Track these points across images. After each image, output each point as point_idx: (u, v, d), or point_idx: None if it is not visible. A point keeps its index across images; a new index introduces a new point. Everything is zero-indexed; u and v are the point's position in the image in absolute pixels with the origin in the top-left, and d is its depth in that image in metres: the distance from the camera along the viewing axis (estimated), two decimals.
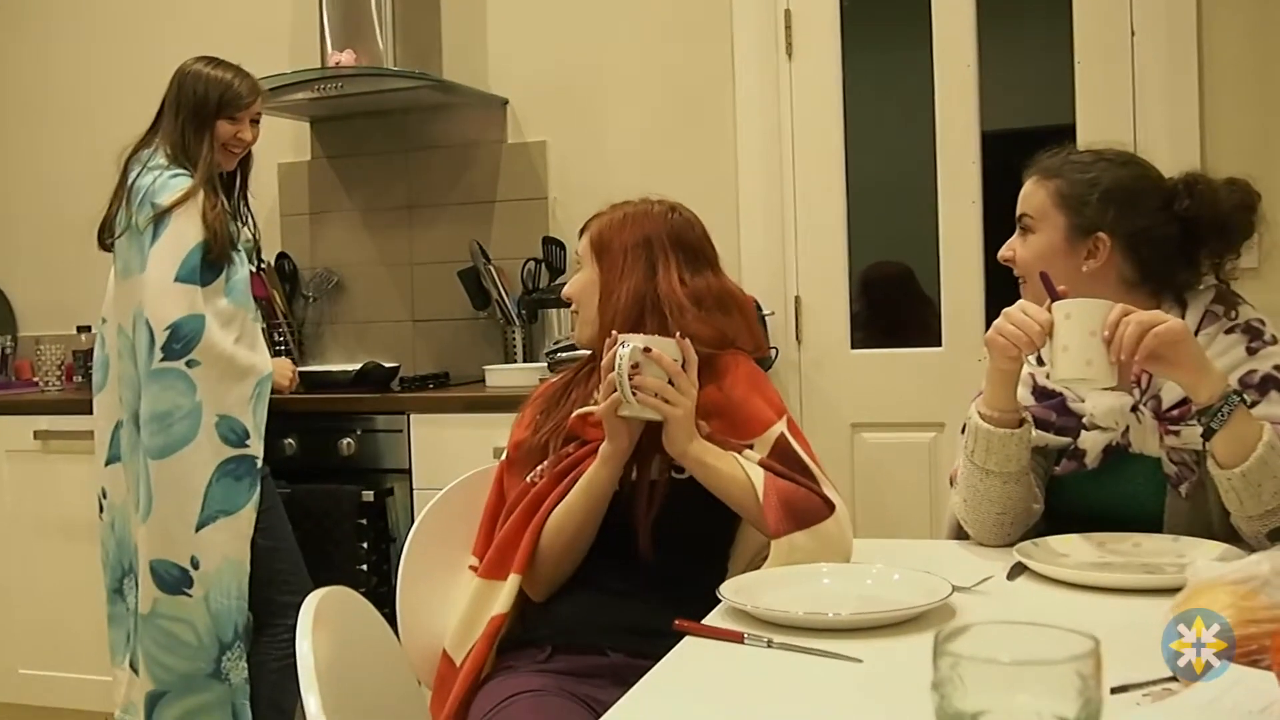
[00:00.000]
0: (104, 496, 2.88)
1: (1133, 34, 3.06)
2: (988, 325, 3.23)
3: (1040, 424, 1.78)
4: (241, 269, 2.79)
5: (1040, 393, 1.81)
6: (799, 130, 3.34)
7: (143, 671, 2.74)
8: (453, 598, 1.82)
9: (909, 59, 3.30)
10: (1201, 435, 1.58)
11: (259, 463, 2.74)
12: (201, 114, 2.80)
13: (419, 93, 3.48)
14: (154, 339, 2.65)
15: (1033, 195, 1.83)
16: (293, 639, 2.79)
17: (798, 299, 3.35)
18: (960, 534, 1.85)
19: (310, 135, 3.85)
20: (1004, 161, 3.21)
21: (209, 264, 2.70)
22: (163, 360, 2.65)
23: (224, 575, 2.70)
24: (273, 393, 2.80)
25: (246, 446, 2.71)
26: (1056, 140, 3.09)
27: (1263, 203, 1.85)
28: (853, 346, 3.33)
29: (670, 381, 1.65)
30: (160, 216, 2.68)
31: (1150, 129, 3.03)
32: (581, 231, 1.91)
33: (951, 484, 1.89)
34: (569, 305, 1.91)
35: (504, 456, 1.89)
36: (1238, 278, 1.85)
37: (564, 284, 1.94)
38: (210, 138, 2.80)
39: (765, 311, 3.23)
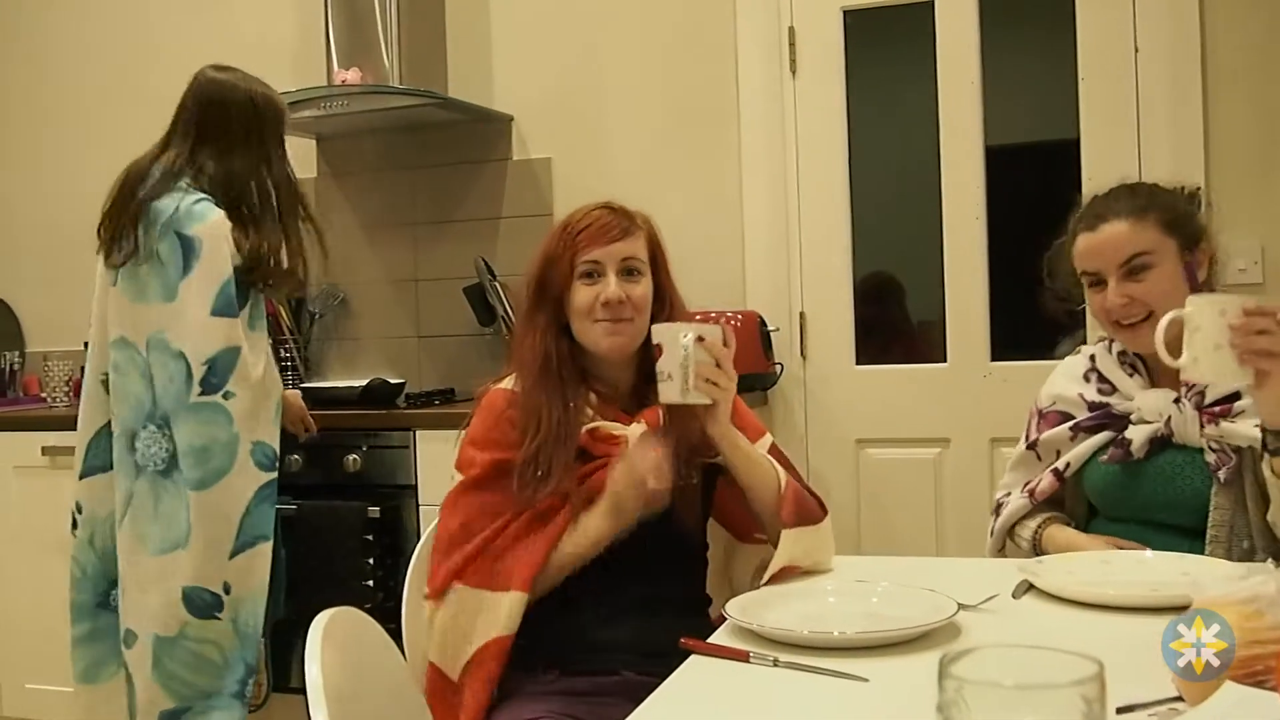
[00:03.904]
0: (79, 511, 2.84)
1: (1136, 50, 3.07)
2: (992, 341, 3.31)
3: (1089, 430, 1.92)
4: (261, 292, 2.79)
5: (1092, 406, 1.93)
6: (803, 147, 3.35)
7: (159, 689, 2.73)
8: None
9: (912, 75, 3.31)
10: (1266, 451, 1.65)
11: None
12: (259, 135, 2.74)
13: (424, 110, 3.49)
14: (191, 373, 2.63)
15: (1139, 234, 1.86)
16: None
17: (802, 315, 3.36)
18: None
19: (316, 152, 3.86)
20: (1008, 177, 3.25)
21: (241, 290, 2.68)
22: (201, 394, 2.64)
23: (257, 598, 2.72)
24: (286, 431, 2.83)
25: (275, 470, 2.73)
26: (1060, 155, 3.14)
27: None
28: (857, 362, 3.34)
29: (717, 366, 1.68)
30: (189, 247, 2.63)
31: (1154, 145, 3.04)
32: (609, 234, 1.80)
33: (997, 511, 2.04)
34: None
35: (461, 479, 1.79)
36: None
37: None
38: (267, 162, 2.75)
39: (770, 328, 3.24)
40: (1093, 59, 3.12)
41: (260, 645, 2.76)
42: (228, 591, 2.69)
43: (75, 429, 2.94)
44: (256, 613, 2.73)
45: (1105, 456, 1.87)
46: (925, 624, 1.37)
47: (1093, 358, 1.99)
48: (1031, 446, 2.01)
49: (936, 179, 3.24)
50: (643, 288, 1.80)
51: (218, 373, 2.65)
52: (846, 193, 3.32)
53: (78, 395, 3.84)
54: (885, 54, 3.42)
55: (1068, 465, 1.94)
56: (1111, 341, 1.98)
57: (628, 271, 1.79)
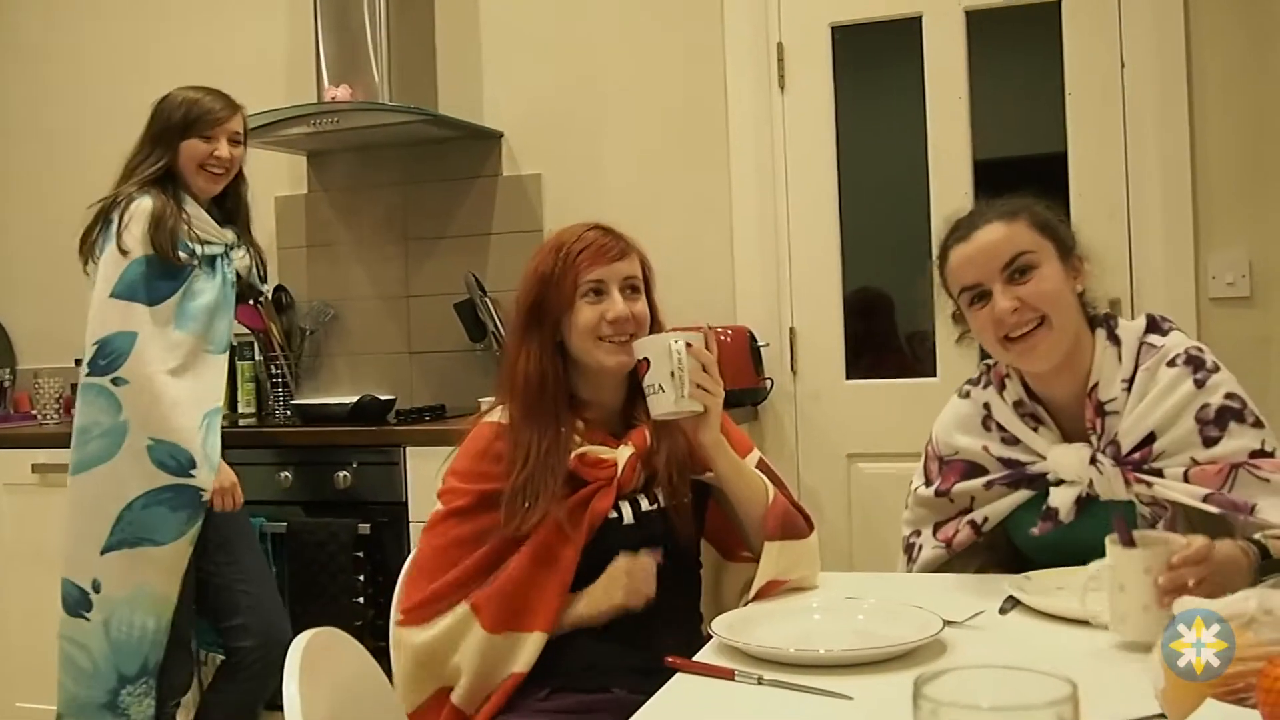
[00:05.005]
0: None
1: (1123, 65, 3.08)
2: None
3: (1005, 484, 1.81)
4: (206, 295, 2.72)
5: (1003, 461, 1.83)
6: (792, 162, 3.35)
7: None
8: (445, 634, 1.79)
9: (901, 90, 3.32)
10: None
11: (204, 495, 2.65)
12: (167, 134, 2.73)
13: (414, 127, 3.49)
14: (85, 353, 2.64)
15: (1015, 234, 1.75)
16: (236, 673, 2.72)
17: (792, 330, 3.36)
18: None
19: (307, 169, 3.87)
20: (997, 191, 3.25)
21: (162, 274, 2.64)
22: (88, 375, 2.64)
23: (138, 606, 2.65)
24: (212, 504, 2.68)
25: (191, 476, 2.62)
26: (1048, 169, 3.12)
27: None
28: (848, 377, 3.34)
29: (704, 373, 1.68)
30: (107, 232, 2.66)
31: (1142, 158, 3.05)
32: (609, 253, 1.78)
33: (908, 552, 1.93)
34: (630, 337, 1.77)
35: (444, 506, 1.77)
36: None
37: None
38: (172, 156, 2.72)
39: (760, 343, 3.24)
40: (1080, 74, 3.13)
41: (149, 659, 2.68)
42: (97, 590, 2.64)
43: (66, 447, 2.94)
44: (142, 623, 2.65)
45: (1035, 530, 1.75)
46: (911, 641, 1.37)
47: (987, 406, 1.86)
48: (942, 494, 1.89)
49: (925, 193, 3.25)
50: (642, 305, 1.80)
51: (106, 355, 2.61)
52: (836, 208, 3.33)
53: (68, 412, 3.85)
54: (874, 69, 3.43)
55: (985, 520, 1.83)
56: (1002, 389, 1.85)
57: (629, 290, 1.79)
